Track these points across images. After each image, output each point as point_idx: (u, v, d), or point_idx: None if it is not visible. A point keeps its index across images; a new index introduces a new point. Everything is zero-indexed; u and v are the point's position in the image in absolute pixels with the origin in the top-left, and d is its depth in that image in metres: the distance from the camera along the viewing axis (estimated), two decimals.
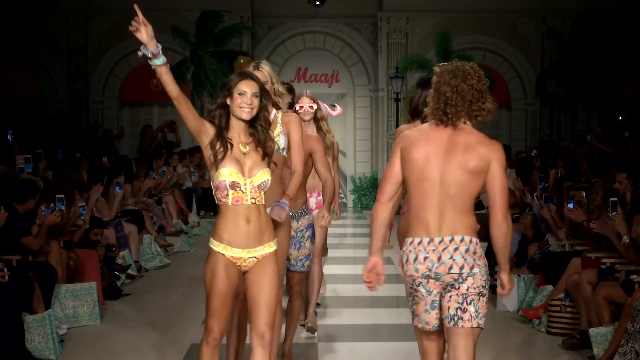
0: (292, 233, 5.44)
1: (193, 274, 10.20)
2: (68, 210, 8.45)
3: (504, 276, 4.22)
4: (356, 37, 20.23)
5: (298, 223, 5.55)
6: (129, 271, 9.64)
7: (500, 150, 4.03)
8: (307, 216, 5.62)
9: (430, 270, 3.92)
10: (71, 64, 19.37)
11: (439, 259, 3.91)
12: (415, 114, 5.26)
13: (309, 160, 5.57)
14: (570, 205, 7.87)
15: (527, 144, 18.83)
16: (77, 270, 8.10)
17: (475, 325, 3.94)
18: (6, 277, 6.49)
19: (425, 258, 3.92)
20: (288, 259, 5.53)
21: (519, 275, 8.31)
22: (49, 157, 10.84)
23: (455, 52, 18.57)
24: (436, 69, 4.12)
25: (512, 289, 7.23)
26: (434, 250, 3.92)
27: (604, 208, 7.49)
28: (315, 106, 6.74)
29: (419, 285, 3.97)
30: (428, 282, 3.95)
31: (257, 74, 4.88)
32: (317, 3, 18.70)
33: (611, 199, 7.06)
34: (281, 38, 20.07)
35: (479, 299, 3.98)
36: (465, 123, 4.04)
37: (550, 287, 7.69)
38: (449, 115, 4.00)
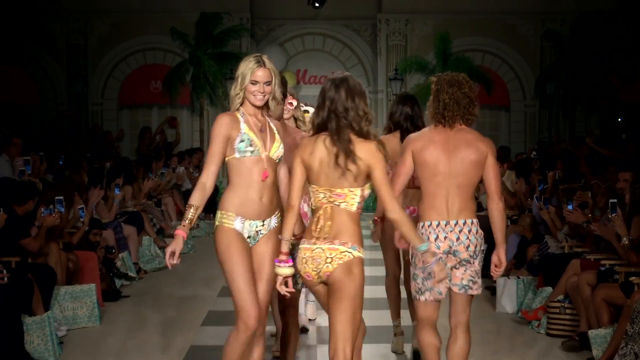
0: None
1: (192, 275, 10.21)
2: (67, 211, 8.45)
3: (501, 254, 4.85)
4: (355, 38, 20.23)
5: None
6: (128, 273, 9.65)
7: (492, 144, 4.89)
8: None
9: (450, 247, 4.74)
10: (70, 65, 19.36)
11: (458, 239, 4.75)
12: (397, 127, 6.16)
13: None
14: (570, 207, 7.87)
15: (526, 145, 18.84)
16: (76, 272, 8.10)
17: (479, 292, 4.91)
18: (5, 278, 6.49)
19: (446, 237, 4.74)
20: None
21: (519, 277, 8.31)
22: (49, 159, 10.84)
23: (455, 54, 18.59)
24: (433, 78, 4.94)
25: (512, 290, 7.54)
26: (451, 231, 4.74)
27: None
28: (295, 102, 6.11)
29: (439, 260, 4.60)
30: (447, 257, 4.75)
31: (264, 71, 4.51)
32: (317, 5, 18.68)
33: (610, 200, 7.06)
34: (280, 40, 20.07)
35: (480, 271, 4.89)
36: (461, 125, 4.82)
37: (549, 289, 7.69)
38: (447, 118, 4.80)
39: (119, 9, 19.15)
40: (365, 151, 4.18)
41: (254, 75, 4.47)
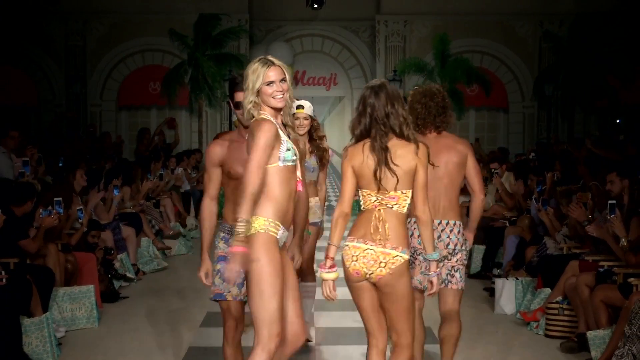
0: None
1: (191, 277, 10.20)
2: (66, 212, 8.45)
3: (470, 235, 5.41)
4: (354, 40, 20.24)
5: None
6: (127, 274, 9.64)
7: (469, 144, 5.40)
8: None
9: None
10: (69, 66, 19.36)
11: (439, 237, 5.12)
12: None
13: None
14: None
15: (525, 147, 18.84)
16: (74, 273, 8.10)
17: (460, 287, 5.29)
18: (4, 280, 6.49)
19: None
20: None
21: (517, 278, 8.32)
22: (48, 160, 10.83)
23: (453, 55, 18.59)
24: (411, 92, 5.43)
25: (511, 291, 7.62)
26: (434, 229, 4.88)
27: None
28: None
29: (419, 255, 5.11)
30: None
31: (275, 69, 4.30)
32: (315, 6, 18.69)
33: (609, 201, 7.06)
34: (279, 41, 20.06)
35: (462, 268, 5.28)
36: (432, 132, 5.27)
37: (548, 290, 7.69)
38: (419, 126, 5.24)
39: (117, 10, 19.15)
40: (408, 153, 4.36)
41: (267, 77, 4.27)
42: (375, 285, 4.40)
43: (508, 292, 8.22)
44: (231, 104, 4.88)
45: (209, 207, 4.86)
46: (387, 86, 4.48)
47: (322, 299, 4.86)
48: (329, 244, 4.40)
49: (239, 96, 4.69)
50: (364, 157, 4.38)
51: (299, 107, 6.41)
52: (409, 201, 4.41)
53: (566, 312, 7.17)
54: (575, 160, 11.38)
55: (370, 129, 4.39)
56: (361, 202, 4.47)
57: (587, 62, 18.49)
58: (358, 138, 4.45)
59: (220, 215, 4.89)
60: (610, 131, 16.32)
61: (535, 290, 7.97)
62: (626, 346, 5.90)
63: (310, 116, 6.47)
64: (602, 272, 6.91)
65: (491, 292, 8.77)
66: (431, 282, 4.56)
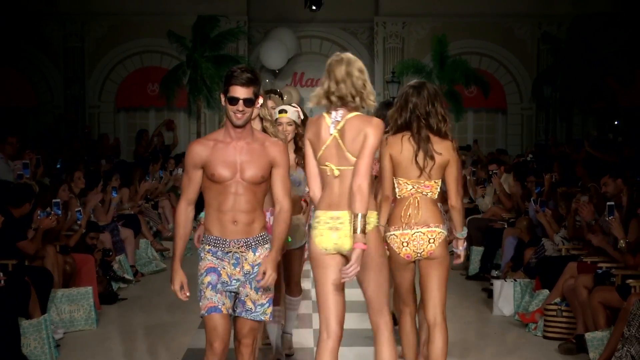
0: (248, 267, 4.43)
1: (189, 278, 10.19)
2: (65, 214, 8.44)
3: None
4: (352, 41, 20.25)
5: (255, 255, 4.44)
6: (125, 275, 9.64)
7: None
8: (267, 245, 4.46)
9: None
10: (67, 68, 19.37)
11: None
12: None
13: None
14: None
15: (523, 148, 18.85)
16: (73, 274, 8.09)
17: None
18: (2, 281, 6.48)
19: None
20: (244, 302, 4.48)
21: (515, 280, 8.32)
22: (47, 161, 10.82)
23: (452, 57, 18.60)
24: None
25: (509, 292, 7.65)
26: None
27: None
28: (261, 101, 4.76)
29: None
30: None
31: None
32: (314, 8, 18.70)
33: (608, 203, 7.06)
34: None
35: None
36: None
37: (546, 292, 7.69)
38: None
39: (115, 12, 19.16)
40: (443, 148, 4.88)
41: None
42: (422, 262, 4.94)
43: (506, 294, 8.22)
44: (223, 99, 4.36)
45: (185, 212, 4.44)
46: (427, 85, 4.98)
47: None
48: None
49: (236, 91, 4.30)
50: (402, 147, 4.87)
51: (281, 111, 5.99)
52: (438, 189, 4.93)
53: (564, 314, 7.17)
54: (573, 162, 11.38)
55: (411, 122, 4.87)
56: (397, 191, 4.92)
57: (585, 64, 18.50)
58: (396, 130, 4.93)
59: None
60: (609, 132, 16.33)
61: (534, 292, 7.97)
62: (625, 348, 5.90)
63: (294, 122, 5.99)
64: (600, 274, 6.91)
65: (489, 293, 8.77)
66: (459, 255, 5.11)
